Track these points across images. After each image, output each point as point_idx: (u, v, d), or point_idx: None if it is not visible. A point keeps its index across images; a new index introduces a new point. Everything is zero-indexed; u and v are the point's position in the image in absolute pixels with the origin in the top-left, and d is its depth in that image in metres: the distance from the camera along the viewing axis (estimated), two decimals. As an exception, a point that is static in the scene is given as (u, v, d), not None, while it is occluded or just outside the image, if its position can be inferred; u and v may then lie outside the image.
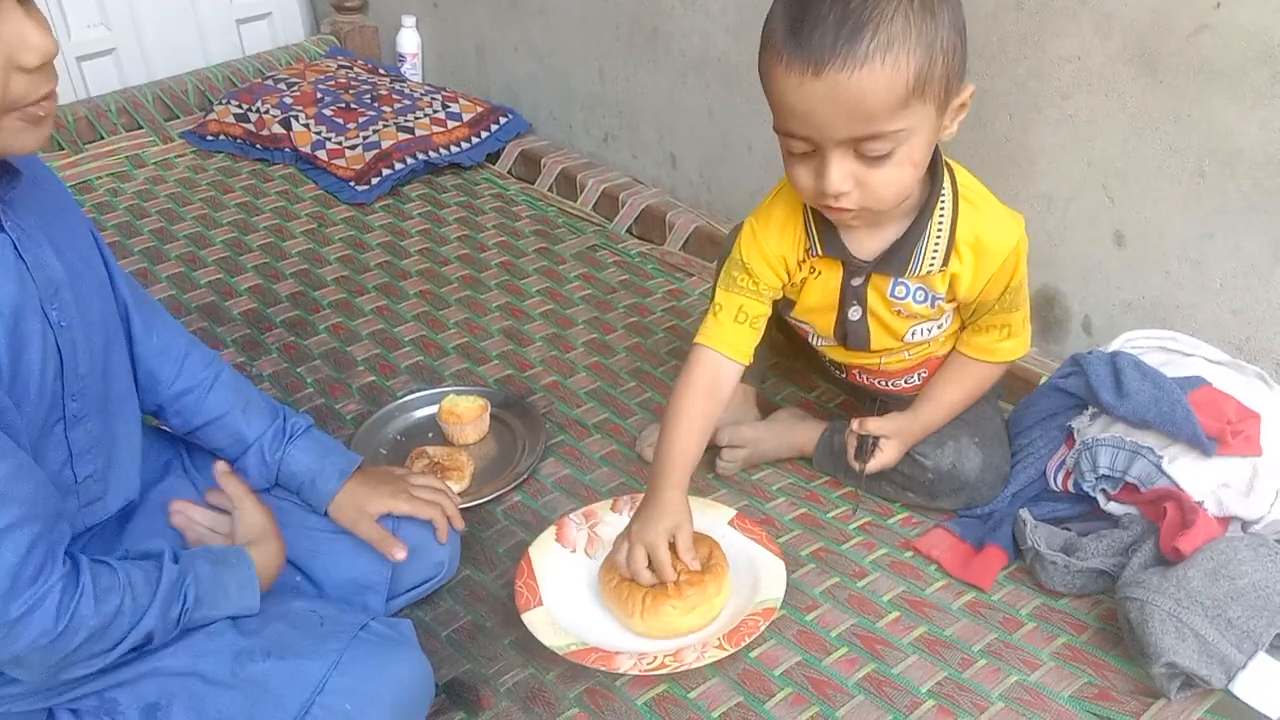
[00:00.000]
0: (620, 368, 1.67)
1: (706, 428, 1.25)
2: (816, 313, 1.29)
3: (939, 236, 1.19)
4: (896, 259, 1.20)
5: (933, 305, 1.24)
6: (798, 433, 1.46)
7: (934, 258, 1.19)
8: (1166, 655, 1.04)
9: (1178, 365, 1.25)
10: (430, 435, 1.52)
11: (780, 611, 1.20)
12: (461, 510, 1.34)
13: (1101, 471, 1.23)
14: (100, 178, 2.21)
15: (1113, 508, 1.24)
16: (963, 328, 1.31)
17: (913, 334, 1.28)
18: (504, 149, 2.28)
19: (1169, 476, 1.17)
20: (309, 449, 1.16)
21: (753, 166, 1.91)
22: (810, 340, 1.38)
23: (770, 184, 1.86)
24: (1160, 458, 1.18)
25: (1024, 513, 1.24)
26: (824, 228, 1.21)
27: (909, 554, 1.31)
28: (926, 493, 1.33)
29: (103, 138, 2.31)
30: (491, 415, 1.54)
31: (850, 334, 1.29)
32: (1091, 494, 1.25)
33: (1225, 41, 1.26)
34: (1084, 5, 1.36)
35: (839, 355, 1.37)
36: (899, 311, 1.25)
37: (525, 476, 1.44)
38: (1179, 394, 1.17)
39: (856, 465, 1.30)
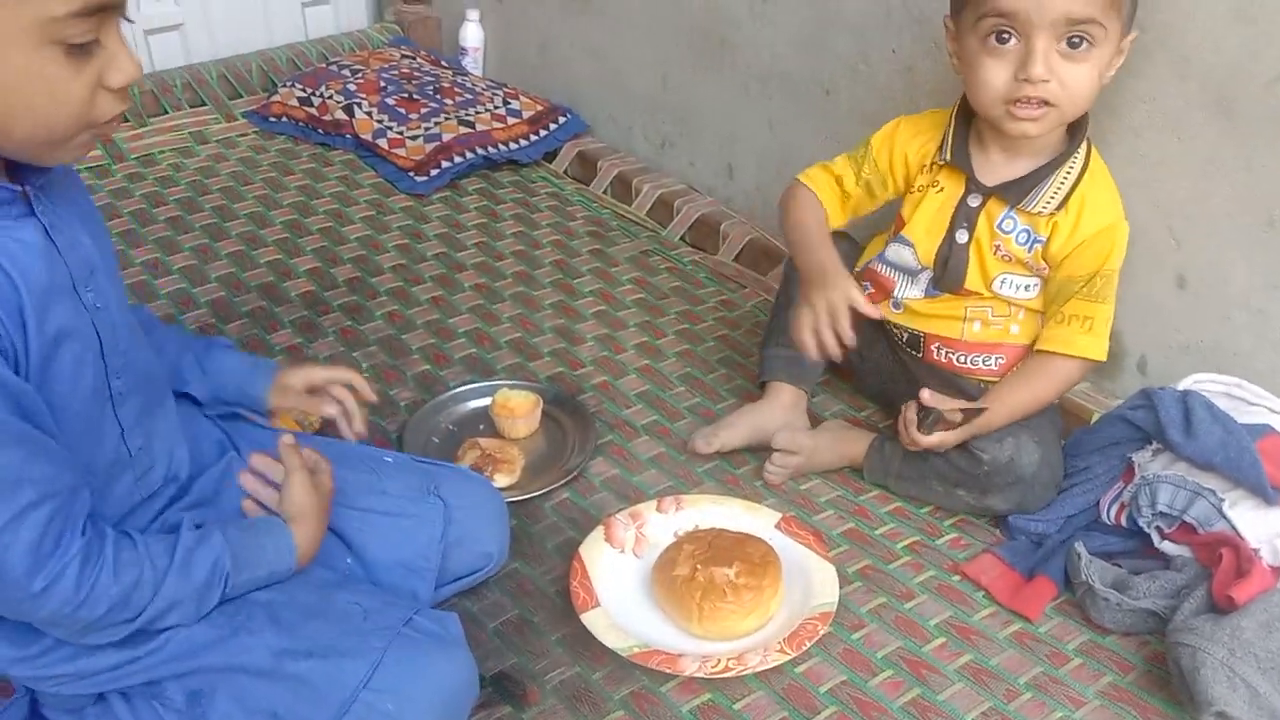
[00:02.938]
0: (670, 372, 1.68)
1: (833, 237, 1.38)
2: (926, 233, 1.37)
3: (1062, 183, 1.30)
4: (1019, 188, 1.31)
5: (1030, 249, 1.32)
6: (848, 442, 1.47)
7: (1051, 200, 1.30)
8: (1218, 704, 1.05)
9: (1243, 413, 1.25)
10: (482, 427, 1.54)
11: (829, 626, 1.21)
12: (511, 504, 1.36)
13: (1160, 509, 1.23)
14: (163, 152, 2.24)
15: (1166, 547, 1.24)
16: (1044, 323, 1.35)
17: (1001, 282, 1.34)
18: (561, 148, 2.29)
19: (1228, 520, 1.18)
20: (234, 351, 1.22)
21: (811, 183, 1.92)
22: (897, 291, 1.41)
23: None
24: (1222, 501, 1.19)
25: (1079, 546, 1.24)
26: (959, 143, 1.34)
27: (957, 578, 1.31)
28: (979, 488, 1.33)
29: (167, 112, 2.34)
30: (543, 411, 1.55)
31: (952, 259, 1.35)
32: (1146, 530, 1.25)
33: (1306, 93, 1.26)
34: (1162, 47, 1.37)
35: (924, 310, 1.40)
36: (997, 248, 1.33)
37: (575, 474, 1.46)
38: (1248, 440, 1.18)
39: (921, 431, 1.31)
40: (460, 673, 1.01)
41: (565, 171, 2.28)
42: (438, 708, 0.97)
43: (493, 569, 1.24)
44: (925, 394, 1.32)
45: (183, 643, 0.96)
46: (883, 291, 1.44)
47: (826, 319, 1.26)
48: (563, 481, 1.45)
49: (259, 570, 1.00)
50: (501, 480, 1.42)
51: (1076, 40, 1.19)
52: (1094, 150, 1.33)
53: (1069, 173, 1.30)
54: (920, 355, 1.44)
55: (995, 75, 1.22)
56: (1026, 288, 1.35)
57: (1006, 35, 1.20)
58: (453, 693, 1.00)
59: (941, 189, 1.36)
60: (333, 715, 0.94)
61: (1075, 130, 1.31)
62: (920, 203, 1.37)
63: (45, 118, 0.81)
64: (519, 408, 1.52)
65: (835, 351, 1.27)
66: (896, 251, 1.41)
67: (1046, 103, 1.22)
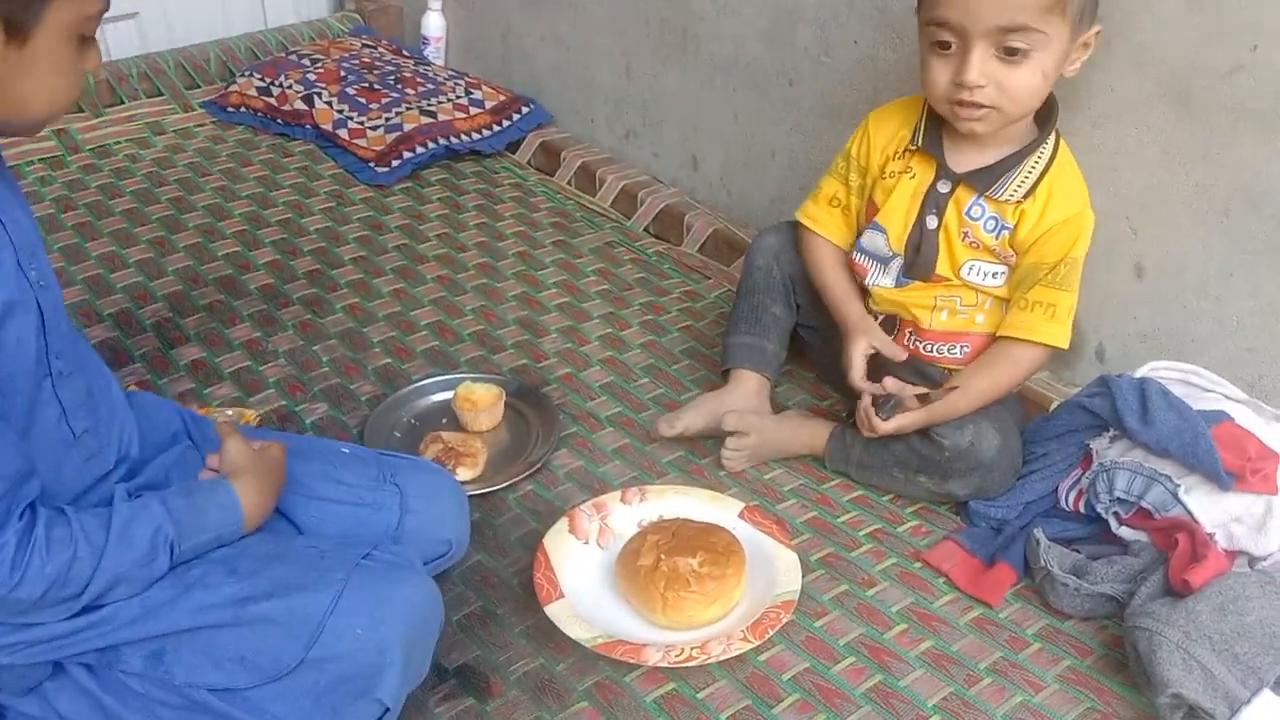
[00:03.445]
0: (634, 364, 1.68)
1: (850, 275, 1.46)
2: (896, 218, 1.39)
3: (1030, 173, 1.32)
4: (988, 175, 1.33)
5: (997, 236, 1.34)
6: (807, 428, 1.48)
7: (1019, 188, 1.32)
8: (1173, 686, 1.06)
9: (1197, 400, 1.27)
10: (445, 421, 1.53)
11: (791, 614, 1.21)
12: (473, 497, 1.35)
13: (1117, 494, 1.25)
14: (119, 143, 2.20)
15: (1124, 532, 1.26)
16: (1008, 310, 1.36)
17: (968, 269, 1.36)
18: (524, 139, 2.28)
19: (1184, 505, 1.20)
20: None
21: (775, 173, 1.92)
22: (869, 280, 1.43)
23: (791, 192, 1.89)
24: (1177, 486, 1.21)
25: (1038, 532, 1.26)
26: (930, 130, 1.37)
27: (918, 565, 1.32)
28: (940, 473, 1.35)
29: (123, 103, 2.30)
30: (506, 404, 1.55)
31: (923, 245, 1.37)
32: (1104, 516, 1.27)
33: (1260, 83, 1.28)
34: (1120, 37, 1.38)
35: (894, 297, 1.41)
36: (965, 234, 1.35)
37: (538, 466, 1.45)
38: (1203, 426, 1.19)
39: (880, 417, 1.32)
40: (425, 596, 1.01)
41: (529, 162, 2.27)
42: (408, 627, 0.97)
43: (453, 557, 1.22)
44: (889, 381, 1.33)
45: (136, 606, 0.95)
46: (858, 280, 1.46)
47: (851, 366, 1.39)
48: (525, 474, 1.44)
49: (205, 532, 0.98)
50: (464, 474, 1.41)
51: (1014, 46, 1.21)
52: (1062, 140, 1.35)
53: (1037, 161, 1.33)
54: (892, 338, 1.45)
55: (939, 77, 1.27)
56: (994, 275, 1.37)
57: (947, 41, 1.24)
58: (420, 613, 1.00)
59: (914, 175, 1.38)
60: (303, 647, 0.94)
61: (1044, 120, 1.33)
62: (893, 189, 1.39)
63: (58, 97, 0.92)
64: (481, 400, 1.52)
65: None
66: (870, 238, 1.42)
67: (986, 105, 1.26)
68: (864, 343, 1.40)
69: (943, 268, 1.37)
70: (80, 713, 0.98)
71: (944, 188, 1.36)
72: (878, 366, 1.45)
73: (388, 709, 0.97)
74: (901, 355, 1.40)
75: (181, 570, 0.97)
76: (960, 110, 1.27)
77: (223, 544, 1.00)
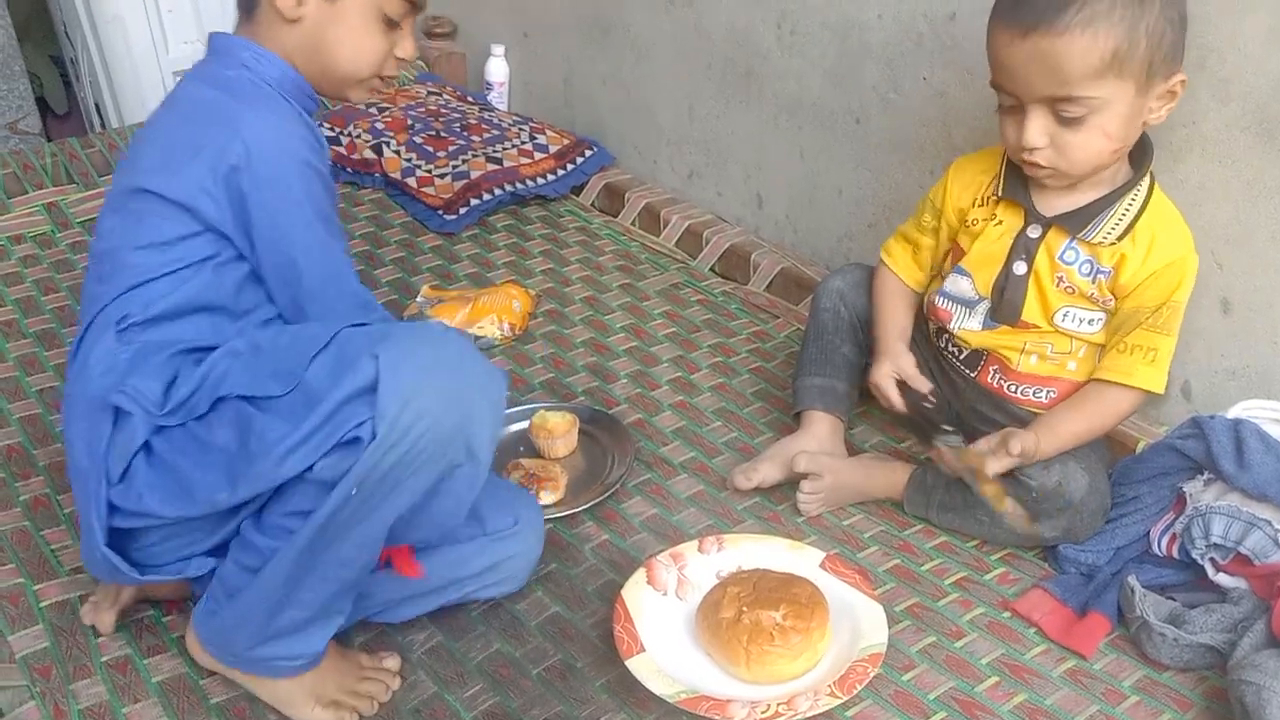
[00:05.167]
0: (705, 407, 1.67)
1: (908, 307, 1.47)
2: (983, 263, 1.38)
3: (1125, 214, 1.30)
4: (1080, 218, 1.31)
5: (1093, 280, 1.30)
6: (885, 470, 1.46)
7: (1113, 229, 1.30)
8: (1285, 742, 1.02)
9: (1294, 441, 1.23)
10: (521, 449, 1.56)
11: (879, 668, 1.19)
12: (558, 519, 1.41)
13: (1214, 540, 1.21)
14: (194, 194, 2.25)
15: (1221, 579, 1.22)
16: (1105, 353, 1.34)
17: (1063, 316, 1.33)
18: (588, 181, 2.29)
19: (1286, 554, 1.16)
20: None
21: (841, 211, 1.91)
22: (954, 324, 1.41)
23: (859, 229, 1.88)
24: (1278, 531, 1.16)
25: (1132, 579, 1.22)
26: (1012, 177, 1.35)
27: (1007, 615, 1.29)
28: (1027, 515, 1.31)
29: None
30: (580, 430, 1.57)
31: (1008, 290, 1.35)
32: (1200, 562, 1.23)
33: (1351, 114, 1.25)
34: (1202, 71, 1.35)
35: (981, 340, 1.39)
36: (1059, 279, 1.33)
37: (616, 487, 1.47)
38: (1304, 472, 1.16)
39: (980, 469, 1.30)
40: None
41: (593, 204, 2.28)
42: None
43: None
44: (990, 442, 1.30)
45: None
46: (941, 326, 1.44)
47: (876, 388, 1.40)
48: (605, 495, 1.46)
49: None
50: (547, 497, 1.45)
51: (1068, 114, 1.21)
52: (1156, 181, 1.33)
53: (1132, 203, 1.31)
54: (975, 375, 1.43)
55: (1008, 132, 1.28)
56: (1090, 322, 1.34)
57: (1010, 102, 1.26)
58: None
59: (1000, 222, 1.37)
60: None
61: (1138, 161, 1.32)
62: (979, 235, 1.38)
63: (359, 58, 1.17)
64: (556, 428, 1.54)
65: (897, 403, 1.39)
66: (955, 282, 1.41)
67: (1046, 165, 1.27)
68: (888, 365, 1.39)
69: (1031, 314, 1.35)
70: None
71: (1034, 233, 1.34)
72: (959, 404, 1.44)
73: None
74: (926, 386, 1.38)
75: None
76: (1027, 167, 1.29)
77: None
